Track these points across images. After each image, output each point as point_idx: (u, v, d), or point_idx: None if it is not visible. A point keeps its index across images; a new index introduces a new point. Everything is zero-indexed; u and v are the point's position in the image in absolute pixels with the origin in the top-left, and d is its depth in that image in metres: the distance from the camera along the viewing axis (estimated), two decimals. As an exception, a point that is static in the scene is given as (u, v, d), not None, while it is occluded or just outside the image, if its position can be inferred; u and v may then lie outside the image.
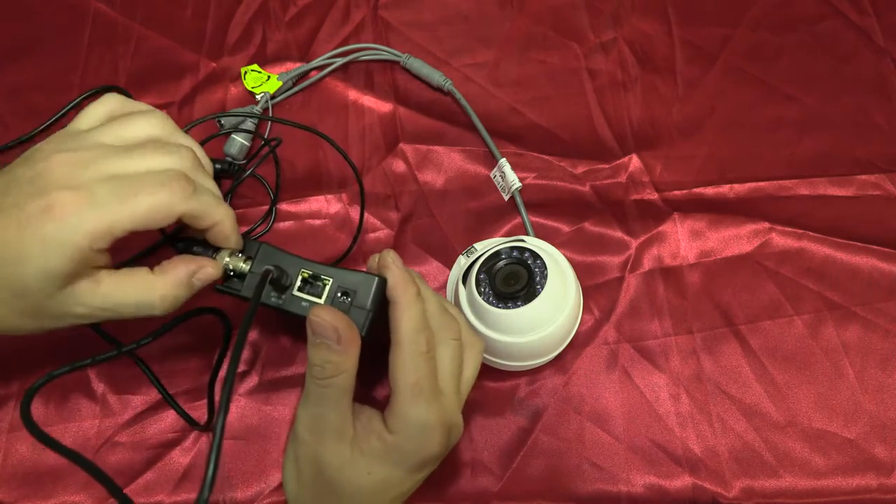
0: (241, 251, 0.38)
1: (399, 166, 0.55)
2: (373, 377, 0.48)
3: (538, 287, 0.43)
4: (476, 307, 0.45)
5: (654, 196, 0.54)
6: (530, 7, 0.62)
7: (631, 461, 0.46)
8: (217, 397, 0.46)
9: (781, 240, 0.52)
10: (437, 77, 0.57)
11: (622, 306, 0.50)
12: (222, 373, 0.46)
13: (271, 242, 0.39)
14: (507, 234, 0.53)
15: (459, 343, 0.38)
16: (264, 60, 0.60)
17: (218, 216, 0.36)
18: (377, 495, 0.35)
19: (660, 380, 0.48)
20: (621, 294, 0.51)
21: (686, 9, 0.62)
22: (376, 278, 0.37)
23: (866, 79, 0.58)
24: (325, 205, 0.54)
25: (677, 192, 0.54)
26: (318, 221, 0.54)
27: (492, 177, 0.55)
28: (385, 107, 0.58)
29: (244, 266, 0.38)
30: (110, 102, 0.38)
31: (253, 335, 0.50)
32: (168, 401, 0.47)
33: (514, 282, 0.44)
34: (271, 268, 0.36)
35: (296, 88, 0.58)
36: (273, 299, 0.38)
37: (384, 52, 0.59)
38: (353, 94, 0.58)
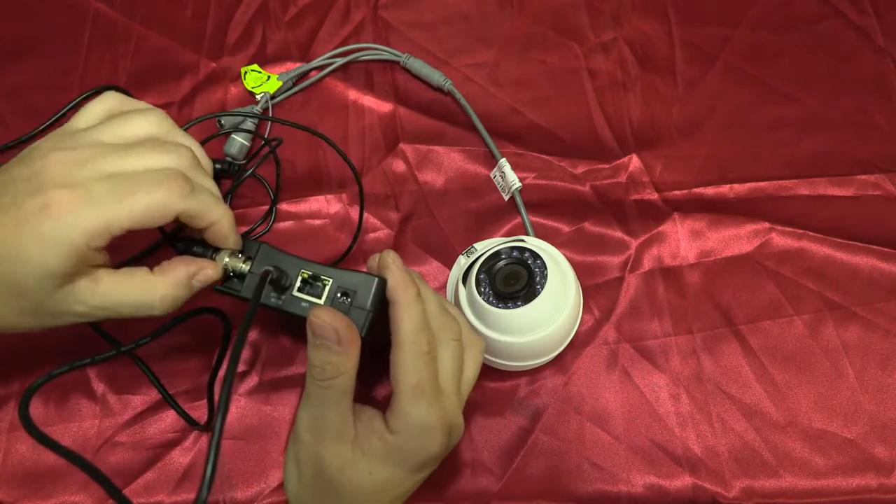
0: (241, 251, 0.38)
1: (399, 166, 0.55)
2: (373, 377, 0.48)
3: (538, 287, 0.43)
4: (476, 307, 0.45)
5: (654, 196, 0.54)
6: (530, 7, 0.62)
7: (631, 461, 0.46)
8: (217, 397, 0.46)
9: (781, 240, 0.52)
10: (437, 77, 0.57)
11: (622, 306, 0.50)
12: (222, 372, 0.46)
13: (271, 243, 0.39)
14: (507, 234, 0.53)
15: (460, 343, 0.38)
16: (264, 60, 0.60)
17: (215, 216, 0.36)
18: (378, 495, 0.35)
19: (660, 380, 0.48)
20: (621, 294, 0.51)
21: (686, 9, 0.62)
22: (376, 279, 0.37)
23: (866, 79, 0.58)
24: (325, 205, 0.54)
25: (677, 192, 0.54)
26: (318, 221, 0.54)
27: (492, 177, 0.55)
28: (385, 107, 0.58)
29: (244, 266, 0.38)
30: (109, 101, 0.37)
31: (253, 335, 0.50)
32: (168, 401, 0.47)
33: (514, 282, 0.44)
34: (271, 268, 0.36)
35: (296, 88, 0.58)
36: (273, 300, 0.38)
37: (384, 52, 0.59)
38: (353, 94, 0.58)
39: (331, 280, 0.37)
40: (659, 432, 0.47)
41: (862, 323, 0.50)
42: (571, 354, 0.49)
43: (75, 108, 0.57)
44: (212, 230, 0.36)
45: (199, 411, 0.47)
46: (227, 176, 0.53)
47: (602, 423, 0.47)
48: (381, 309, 0.37)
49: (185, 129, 0.38)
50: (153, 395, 0.48)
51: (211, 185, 0.37)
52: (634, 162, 0.55)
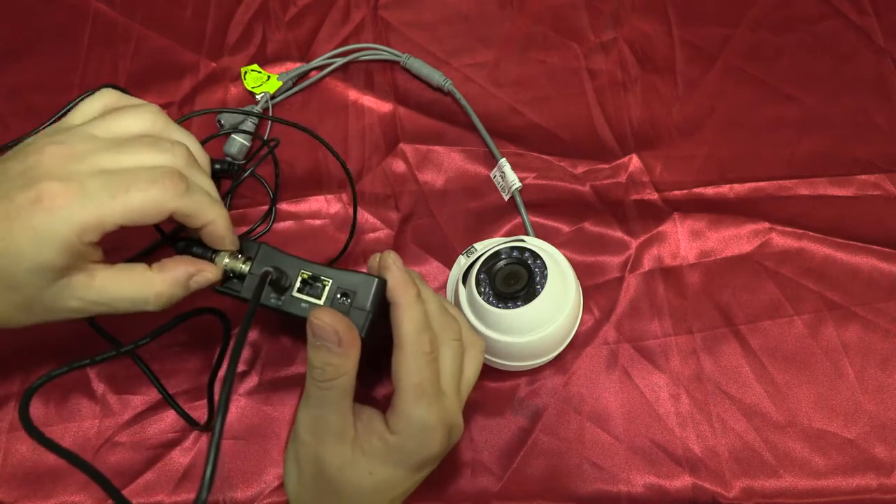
0: (241, 252, 0.38)
1: (399, 166, 0.55)
2: (373, 377, 0.48)
3: (538, 287, 0.43)
4: (476, 307, 0.45)
5: (654, 196, 0.54)
6: (530, 7, 0.62)
7: (631, 461, 0.46)
8: (217, 397, 0.46)
9: (781, 240, 0.52)
10: (437, 77, 0.57)
11: (622, 306, 0.50)
12: (222, 372, 0.46)
13: (271, 243, 0.39)
14: (507, 234, 0.53)
15: (460, 343, 0.38)
16: (264, 60, 0.60)
17: (210, 216, 0.35)
18: (378, 495, 0.36)
19: (660, 380, 0.48)
20: (621, 294, 0.51)
21: (686, 9, 0.62)
22: (376, 279, 0.37)
23: (866, 79, 0.58)
24: (325, 205, 0.54)
25: (677, 192, 0.54)
26: (318, 221, 0.54)
27: (492, 177, 0.55)
28: (385, 107, 0.58)
29: (243, 267, 0.38)
30: (105, 97, 0.37)
31: (253, 335, 0.50)
32: (168, 401, 0.47)
33: (514, 282, 0.44)
34: (270, 269, 0.36)
35: (296, 88, 0.58)
36: (272, 300, 0.37)
37: (384, 52, 0.59)
38: (353, 94, 0.58)
39: (330, 281, 0.37)
40: (659, 432, 0.47)
41: (862, 323, 0.50)
42: (571, 354, 0.49)
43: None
44: (207, 230, 0.36)
45: (199, 411, 0.47)
46: (227, 176, 0.53)
47: (602, 423, 0.47)
48: (381, 310, 0.37)
49: (181, 122, 0.38)
50: (153, 395, 0.48)
51: (208, 184, 0.37)
52: (634, 162, 0.55)
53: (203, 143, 0.53)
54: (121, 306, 0.35)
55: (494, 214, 0.54)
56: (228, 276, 0.38)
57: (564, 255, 0.48)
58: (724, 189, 0.54)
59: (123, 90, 0.40)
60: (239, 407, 0.48)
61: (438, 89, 0.58)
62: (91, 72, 0.59)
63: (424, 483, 0.38)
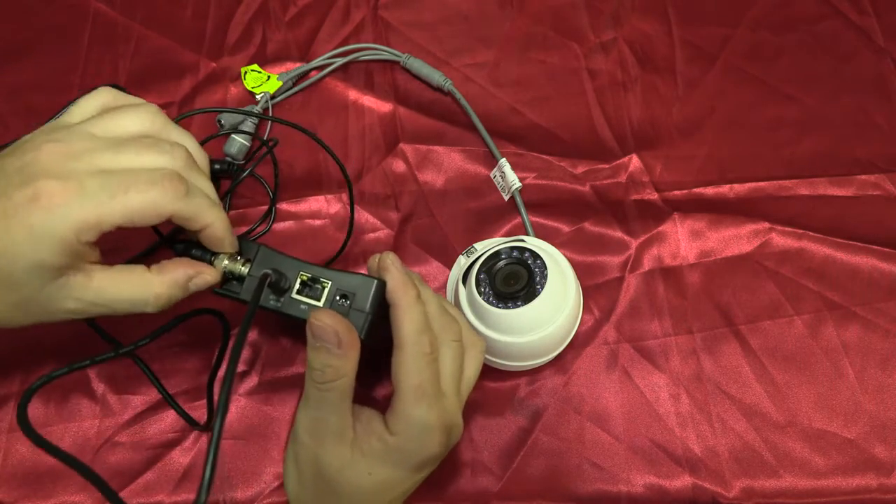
0: (240, 254, 0.38)
1: (399, 166, 0.55)
2: (372, 378, 0.48)
3: (538, 287, 0.43)
4: (476, 307, 0.45)
5: (654, 196, 0.54)
6: (530, 7, 0.62)
7: (631, 461, 0.46)
8: (217, 397, 0.46)
9: (781, 240, 0.52)
10: (437, 77, 0.57)
11: (622, 306, 0.50)
12: (222, 372, 0.46)
13: (270, 243, 0.39)
14: (507, 234, 0.53)
15: (460, 344, 0.38)
16: (264, 60, 0.60)
17: (209, 219, 0.35)
18: (377, 496, 0.36)
19: (660, 380, 0.48)
20: (621, 294, 0.51)
21: (686, 9, 0.62)
22: (375, 281, 0.36)
23: (866, 79, 0.58)
24: (325, 205, 0.54)
25: (677, 192, 0.54)
26: (318, 221, 0.54)
27: (492, 177, 0.55)
28: (385, 107, 0.58)
29: (243, 269, 0.38)
30: (102, 96, 0.37)
31: (253, 335, 0.50)
32: (168, 401, 0.47)
33: (514, 282, 0.44)
34: (269, 271, 0.36)
35: (296, 88, 0.58)
36: (272, 302, 0.37)
37: (384, 52, 0.59)
38: (353, 94, 0.58)
39: (330, 282, 0.37)
40: (659, 432, 0.47)
41: (862, 323, 0.50)
42: (571, 354, 0.49)
43: (75, 109, 0.57)
44: (206, 233, 0.36)
45: (199, 411, 0.47)
46: (227, 176, 0.53)
47: (602, 423, 0.47)
48: (380, 311, 0.37)
49: (180, 119, 0.38)
50: (153, 395, 0.48)
51: (207, 186, 0.36)
52: (634, 162, 0.55)
53: (203, 143, 0.54)
54: (119, 308, 0.35)
55: (494, 214, 0.54)
56: (228, 277, 0.38)
57: (564, 255, 0.48)
58: (724, 189, 0.54)
59: (122, 89, 0.40)
60: (239, 407, 0.48)
61: (438, 89, 0.58)
62: (91, 72, 0.59)
63: (424, 483, 0.38)
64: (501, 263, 0.45)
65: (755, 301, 0.50)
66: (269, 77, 0.58)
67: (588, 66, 0.59)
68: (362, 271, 0.38)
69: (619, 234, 0.53)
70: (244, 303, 0.38)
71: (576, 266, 0.48)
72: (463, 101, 0.57)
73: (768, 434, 0.47)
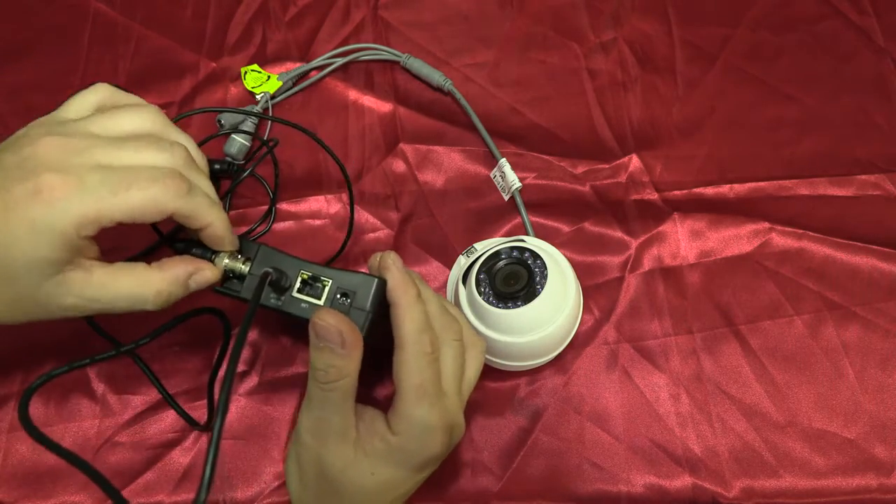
0: (240, 253, 0.38)
1: (399, 166, 0.55)
2: (374, 378, 0.48)
3: (538, 287, 0.43)
4: (476, 307, 0.45)
5: (654, 196, 0.54)
6: (530, 7, 0.62)
7: (631, 461, 0.46)
8: (217, 397, 0.46)
9: (781, 240, 0.52)
10: (437, 77, 0.57)
11: (622, 306, 0.50)
12: (222, 372, 0.46)
13: (271, 243, 0.39)
14: (507, 234, 0.53)
15: (461, 344, 0.38)
16: (264, 60, 0.60)
17: (209, 218, 0.35)
18: (379, 495, 0.36)
19: (660, 380, 0.48)
20: (621, 294, 0.51)
21: (686, 9, 0.62)
22: (376, 280, 0.36)
23: (866, 79, 0.58)
24: (325, 205, 0.54)
25: (677, 192, 0.54)
26: (318, 221, 0.54)
27: (492, 177, 0.55)
28: (385, 107, 0.58)
29: (243, 268, 0.38)
30: (100, 92, 0.37)
31: (253, 335, 0.50)
32: (168, 401, 0.47)
33: (514, 282, 0.44)
34: (270, 270, 0.36)
35: (296, 88, 0.58)
36: (272, 301, 0.37)
37: (384, 52, 0.59)
38: (353, 94, 0.58)
39: (330, 281, 0.37)
40: (659, 432, 0.47)
41: (862, 323, 0.50)
42: (571, 354, 0.49)
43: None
44: (206, 232, 0.36)
45: (199, 411, 0.47)
46: (227, 176, 0.53)
47: (602, 423, 0.47)
48: (381, 310, 0.37)
49: (180, 119, 0.38)
50: (153, 395, 0.48)
51: (207, 185, 0.37)
52: (634, 162, 0.55)
53: (203, 143, 0.54)
54: (119, 305, 0.34)
55: (494, 214, 0.54)
56: (228, 276, 0.38)
57: (564, 255, 0.48)
58: (724, 189, 0.54)
59: (119, 87, 0.39)
60: (239, 407, 0.48)
61: (438, 89, 0.58)
62: (91, 72, 0.59)
63: (425, 483, 0.38)
64: (501, 263, 0.45)
65: (755, 301, 0.50)
66: (269, 77, 0.58)
67: (588, 66, 0.59)
68: (363, 271, 0.38)
69: (619, 234, 0.53)
70: (245, 301, 0.38)
71: (576, 266, 0.48)
72: (463, 101, 0.57)
73: (768, 434, 0.47)
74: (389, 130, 0.57)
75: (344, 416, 0.34)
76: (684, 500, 0.45)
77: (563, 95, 0.58)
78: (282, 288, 0.37)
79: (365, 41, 0.60)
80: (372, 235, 0.53)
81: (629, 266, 0.52)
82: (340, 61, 0.59)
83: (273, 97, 0.57)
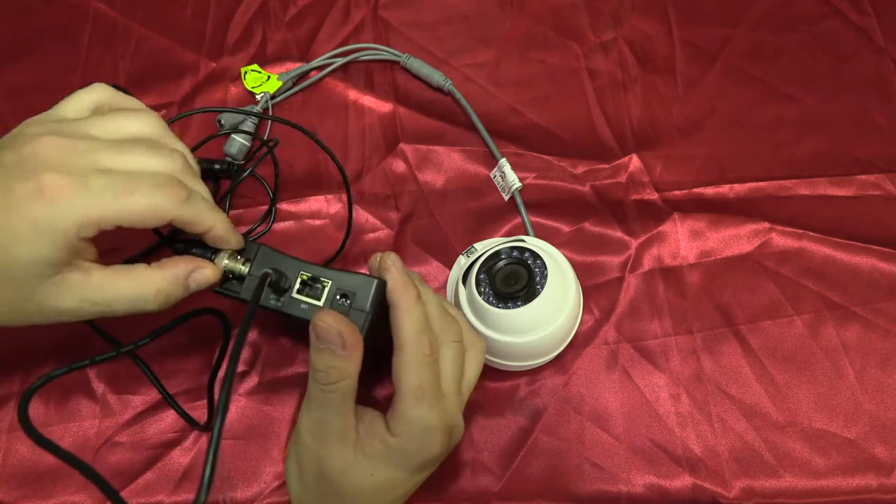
0: (240, 253, 0.38)
1: (399, 166, 0.55)
2: (373, 378, 0.48)
3: (538, 287, 0.43)
4: (476, 307, 0.45)
5: (654, 196, 0.54)
6: (530, 7, 0.62)
7: (631, 461, 0.46)
8: (217, 397, 0.46)
9: (781, 240, 0.52)
10: (437, 77, 0.57)
11: (622, 306, 0.50)
12: (222, 372, 0.46)
13: (271, 243, 0.39)
14: (507, 234, 0.53)
15: (461, 344, 0.38)
16: (264, 60, 0.60)
17: (210, 222, 0.35)
18: (379, 496, 0.36)
19: (660, 380, 0.48)
20: (621, 294, 0.51)
21: (686, 9, 0.62)
22: (375, 281, 0.36)
23: (866, 79, 0.58)
24: (325, 205, 0.54)
25: (677, 192, 0.54)
26: (318, 221, 0.54)
27: (492, 177, 0.55)
28: (385, 107, 0.58)
29: (243, 268, 0.38)
30: (98, 92, 0.37)
31: (253, 335, 0.50)
32: (168, 401, 0.47)
33: (514, 282, 0.44)
34: (269, 271, 0.36)
35: (296, 88, 0.58)
36: (272, 301, 0.37)
37: (384, 52, 0.59)
38: (353, 94, 0.58)
39: (330, 282, 0.37)
40: (659, 432, 0.47)
41: (862, 323, 0.50)
42: (571, 354, 0.49)
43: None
44: (210, 235, 0.36)
45: (199, 411, 0.47)
46: (227, 176, 0.53)
47: (602, 423, 0.47)
48: (381, 311, 0.37)
49: (180, 119, 0.37)
50: (153, 395, 0.48)
51: (204, 190, 0.37)
52: (634, 162, 0.55)
53: (203, 142, 0.54)
54: (118, 306, 0.34)
55: (494, 214, 0.54)
56: (228, 277, 0.38)
57: (564, 255, 0.48)
58: (724, 189, 0.54)
59: (123, 90, 0.39)
60: (239, 407, 0.48)
61: (438, 89, 0.58)
62: (91, 72, 0.59)
63: (424, 483, 0.38)
64: (501, 263, 0.45)
65: (755, 301, 0.50)
66: (269, 77, 0.58)
67: (588, 66, 0.59)
68: (363, 271, 0.38)
69: (619, 234, 0.53)
70: (244, 302, 0.37)
71: (576, 266, 0.48)
72: (463, 101, 0.57)
73: (768, 434, 0.47)
74: (389, 130, 0.57)
75: (344, 418, 0.34)
76: (684, 500, 0.45)
77: (563, 95, 0.58)
78: (281, 289, 0.37)
79: (365, 41, 0.60)
80: (372, 235, 0.53)
81: (629, 266, 0.52)
82: (340, 61, 0.59)
83: (273, 97, 0.57)
